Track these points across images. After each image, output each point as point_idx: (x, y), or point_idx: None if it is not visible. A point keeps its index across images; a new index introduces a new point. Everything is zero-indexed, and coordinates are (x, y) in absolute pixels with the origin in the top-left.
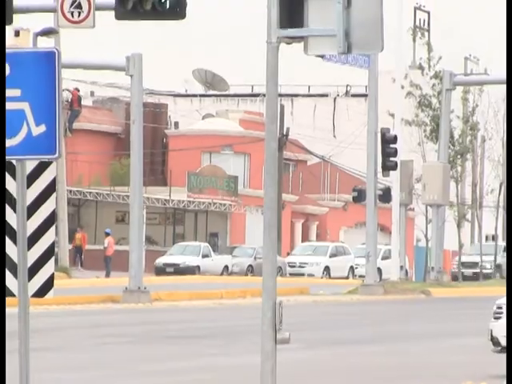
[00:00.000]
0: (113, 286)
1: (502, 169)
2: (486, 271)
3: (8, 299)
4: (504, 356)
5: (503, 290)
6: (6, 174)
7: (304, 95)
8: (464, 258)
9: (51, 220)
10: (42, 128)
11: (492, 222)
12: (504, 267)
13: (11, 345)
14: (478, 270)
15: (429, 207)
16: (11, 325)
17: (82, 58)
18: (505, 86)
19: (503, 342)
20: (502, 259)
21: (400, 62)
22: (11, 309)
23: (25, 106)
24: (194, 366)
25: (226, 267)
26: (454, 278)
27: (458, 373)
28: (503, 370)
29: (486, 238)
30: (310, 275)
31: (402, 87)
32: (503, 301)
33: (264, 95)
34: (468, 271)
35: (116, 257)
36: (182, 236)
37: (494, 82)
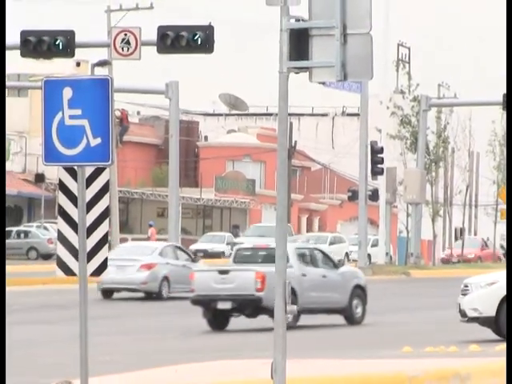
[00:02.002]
0: None
1: (468, 174)
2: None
3: (69, 278)
4: (470, 325)
5: (469, 271)
6: (70, 176)
7: (308, 115)
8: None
9: (105, 214)
10: (98, 140)
11: (460, 216)
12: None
13: (70, 313)
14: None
15: (409, 205)
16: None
17: (130, 84)
18: (470, 108)
19: (469, 313)
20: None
21: (386, 88)
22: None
23: (84, 123)
24: (223, 332)
25: None
26: (446, 262)
27: (431, 338)
28: (469, 337)
29: (455, 230)
30: None
31: (387, 108)
32: (469, 280)
33: (276, 114)
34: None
35: None
36: (210, 227)
37: (461, 104)
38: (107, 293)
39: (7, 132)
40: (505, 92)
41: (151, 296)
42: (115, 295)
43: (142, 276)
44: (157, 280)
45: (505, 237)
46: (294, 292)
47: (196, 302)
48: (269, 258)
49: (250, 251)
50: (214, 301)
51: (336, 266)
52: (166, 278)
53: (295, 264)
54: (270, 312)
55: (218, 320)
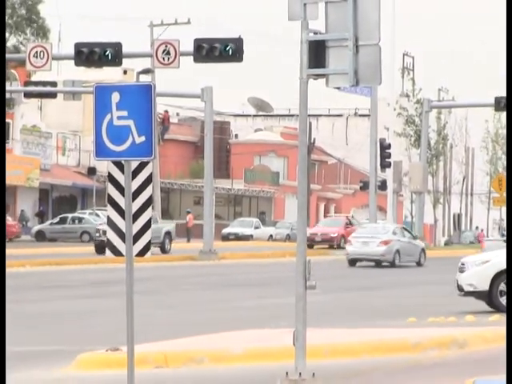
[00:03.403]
0: (192, 249)
1: (464, 167)
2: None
3: (116, 258)
4: (466, 299)
5: (467, 252)
6: (118, 170)
7: (325, 115)
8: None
9: (149, 202)
10: (142, 138)
11: (457, 204)
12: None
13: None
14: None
15: (413, 194)
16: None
17: (171, 90)
18: (466, 110)
19: (466, 288)
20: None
21: (393, 92)
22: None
23: (130, 123)
24: (252, 305)
25: (271, 235)
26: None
27: (433, 310)
28: (465, 308)
29: (453, 215)
30: None
31: (394, 109)
32: (466, 259)
33: (297, 115)
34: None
35: (194, 228)
36: (240, 213)
37: (459, 106)
38: (353, 262)
39: (64, 131)
40: (496, 95)
41: (383, 265)
42: (357, 264)
43: (381, 249)
44: (391, 252)
45: (497, 221)
46: (398, 251)
47: None
48: None
49: None
50: None
51: (415, 237)
52: (397, 251)
53: (399, 235)
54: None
55: None
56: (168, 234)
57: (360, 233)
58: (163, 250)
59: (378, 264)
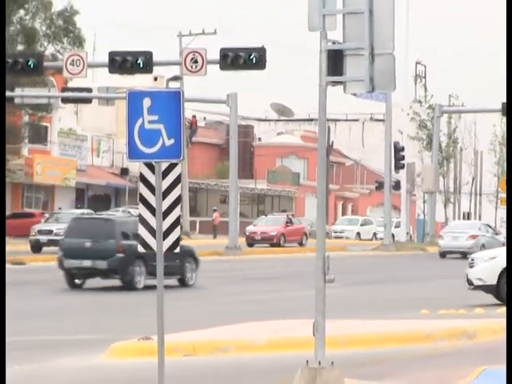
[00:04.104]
0: (218, 245)
1: (473, 168)
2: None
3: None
4: (475, 292)
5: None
6: (149, 170)
7: (343, 120)
8: None
9: (178, 201)
10: (172, 141)
11: (467, 203)
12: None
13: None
14: None
15: (425, 193)
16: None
17: (198, 95)
18: (475, 115)
19: (475, 282)
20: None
21: (406, 98)
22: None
23: (160, 127)
24: (274, 298)
25: None
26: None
27: (444, 303)
28: (475, 301)
29: (463, 214)
30: (347, 238)
31: (408, 114)
32: (475, 255)
33: (317, 120)
34: None
35: (220, 225)
36: (263, 212)
37: (468, 111)
38: (443, 254)
39: (98, 134)
40: (503, 101)
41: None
42: (447, 256)
43: (469, 243)
44: (478, 246)
45: (504, 219)
46: (483, 245)
47: None
48: None
49: None
50: None
51: (496, 233)
52: (483, 245)
53: (484, 230)
54: None
55: None
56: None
57: (451, 228)
58: None
59: (465, 256)
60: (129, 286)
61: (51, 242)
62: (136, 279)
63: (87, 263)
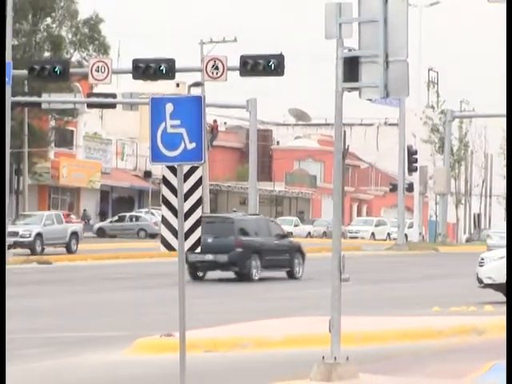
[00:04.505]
0: None
1: (483, 171)
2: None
3: (170, 253)
4: (485, 290)
5: (484, 247)
6: (171, 173)
7: (358, 124)
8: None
9: (199, 202)
10: (193, 144)
11: (477, 204)
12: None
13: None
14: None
15: (437, 195)
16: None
17: (219, 101)
18: (485, 119)
19: (485, 280)
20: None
21: (419, 103)
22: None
23: (183, 131)
24: (292, 295)
25: (309, 233)
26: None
27: (455, 300)
28: (485, 299)
29: (474, 215)
30: (362, 238)
31: (421, 119)
32: (485, 255)
33: (333, 124)
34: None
35: None
36: (281, 213)
37: (478, 116)
38: None
39: (122, 138)
40: None
41: None
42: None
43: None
44: None
45: None
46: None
47: None
48: None
49: None
50: None
51: None
52: None
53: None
54: None
55: None
56: (75, 234)
57: (499, 228)
58: (69, 250)
59: None
60: (246, 277)
61: (17, 244)
62: (252, 271)
63: (209, 257)
